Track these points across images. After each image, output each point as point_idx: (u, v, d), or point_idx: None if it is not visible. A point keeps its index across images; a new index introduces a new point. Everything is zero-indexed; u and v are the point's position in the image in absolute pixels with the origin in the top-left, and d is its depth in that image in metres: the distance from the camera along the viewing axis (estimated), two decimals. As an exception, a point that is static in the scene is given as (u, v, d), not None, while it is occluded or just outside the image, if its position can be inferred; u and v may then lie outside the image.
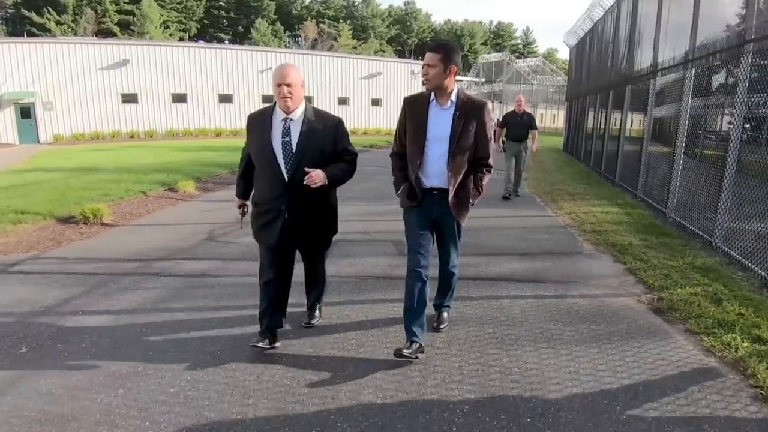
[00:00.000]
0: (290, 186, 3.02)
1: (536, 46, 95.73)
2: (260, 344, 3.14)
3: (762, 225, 5.01)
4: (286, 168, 3.01)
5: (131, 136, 27.53)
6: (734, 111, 5.93)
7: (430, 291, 3.29)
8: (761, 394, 2.86)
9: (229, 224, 6.92)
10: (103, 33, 57.59)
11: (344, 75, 33.97)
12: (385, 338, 3.50)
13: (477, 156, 3.19)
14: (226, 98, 30.40)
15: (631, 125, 11.49)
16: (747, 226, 5.39)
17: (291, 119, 3.04)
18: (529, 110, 10.29)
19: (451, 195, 3.14)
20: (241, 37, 75.47)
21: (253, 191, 3.26)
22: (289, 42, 74.93)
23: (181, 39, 66.08)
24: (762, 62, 5.56)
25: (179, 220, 7.42)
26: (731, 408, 2.74)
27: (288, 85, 2.95)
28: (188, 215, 7.81)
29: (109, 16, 64.35)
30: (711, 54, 6.83)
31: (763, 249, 4.90)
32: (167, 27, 66.75)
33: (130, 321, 3.78)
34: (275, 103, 3.09)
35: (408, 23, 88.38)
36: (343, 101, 33.71)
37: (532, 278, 4.88)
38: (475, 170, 3.23)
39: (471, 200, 3.25)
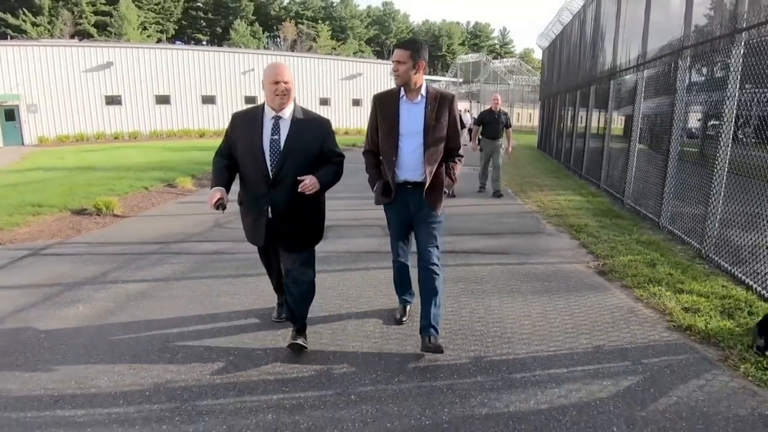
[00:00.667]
0: (274, 183, 3.00)
1: (513, 47, 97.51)
2: (273, 318, 3.75)
3: (699, 207, 5.94)
4: (271, 165, 3.00)
5: (115, 138, 27.88)
6: (675, 110, 6.88)
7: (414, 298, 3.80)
8: (673, 325, 3.74)
9: (232, 214, 7.64)
10: (80, 34, 57.26)
11: (325, 76, 34.70)
12: (380, 292, 4.32)
13: (449, 147, 3.29)
14: (209, 99, 30.95)
15: (599, 123, 12.50)
16: (687, 209, 6.32)
17: (281, 117, 3.04)
18: (505, 109, 11.01)
19: (425, 187, 3.21)
20: (219, 38, 75.29)
21: (239, 192, 3.23)
22: (268, 43, 74.85)
23: (159, 40, 65.83)
24: (698, 67, 6.52)
25: (185, 212, 8.13)
26: (649, 336, 3.60)
27: (285, 83, 2.98)
28: (191, 207, 8.50)
29: (86, 17, 63.75)
30: (656, 58, 7.79)
31: (699, 226, 5.83)
32: (145, 28, 66.42)
33: (165, 286, 4.54)
34: (264, 102, 3.11)
35: (386, 24, 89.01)
36: (324, 102, 34.44)
37: (498, 251, 5.76)
38: (447, 161, 3.33)
39: (445, 189, 3.31)
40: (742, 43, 5.11)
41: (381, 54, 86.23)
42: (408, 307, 3.82)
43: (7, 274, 4.98)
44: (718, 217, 5.35)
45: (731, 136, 5.29)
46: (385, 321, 3.79)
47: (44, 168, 13.18)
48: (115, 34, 60.63)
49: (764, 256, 4.37)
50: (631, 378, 2.98)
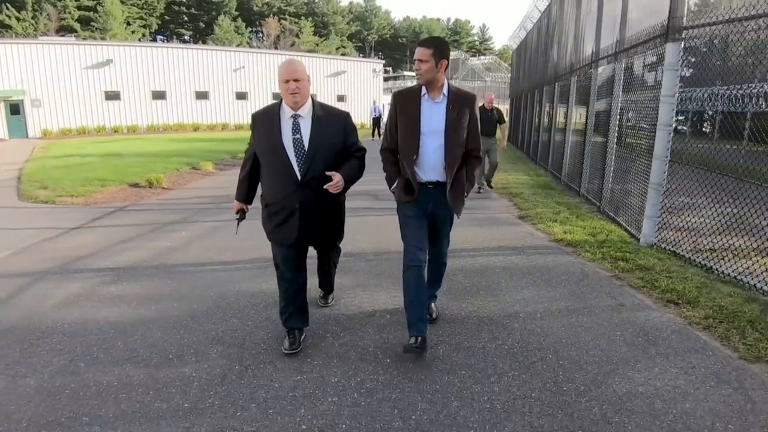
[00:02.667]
0: (303, 184, 2.97)
1: (492, 43, 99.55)
2: (284, 349, 3.17)
3: (600, 179, 8.37)
4: (298, 166, 2.95)
5: (115, 131, 29.70)
6: (588, 108, 9.30)
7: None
8: (553, 239, 6.13)
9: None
10: (64, 30, 58.00)
11: (311, 73, 36.31)
12: (372, 235, 6.62)
13: (468, 147, 3.23)
14: (202, 95, 32.92)
15: (549, 118, 14.99)
16: (596, 181, 8.75)
17: (300, 115, 2.99)
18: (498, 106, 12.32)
19: (448, 188, 3.16)
20: (203, 34, 75.45)
21: (261, 192, 3.18)
22: (251, 38, 75.50)
23: (143, 36, 66.78)
24: (628, 73, 8.93)
25: (221, 185, 10.31)
26: (536, 243, 5.98)
27: (296, 81, 2.91)
28: (224, 182, 10.65)
29: (69, 13, 64.18)
30: (587, 65, 10.23)
31: (598, 191, 8.24)
32: (129, 24, 66.96)
33: (230, 224, 6.79)
34: (281, 99, 3.05)
35: (368, 20, 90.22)
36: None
37: (456, 207, 8.15)
38: (465, 162, 3.26)
39: (465, 192, 3.26)
40: (623, 61, 7.53)
41: (362, 49, 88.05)
42: (420, 340, 3.00)
43: (111, 219, 7.20)
44: (609, 184, 7.78)
45: (616, 127, 7.71)
46: (378, 270, 6.11)
47: (77, 155, 15.20)
48: (99, 29, 61.28)
49: (626, 206, 6.82)
50: (517, 257, 5.38)
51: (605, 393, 2.74)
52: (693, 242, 5.31)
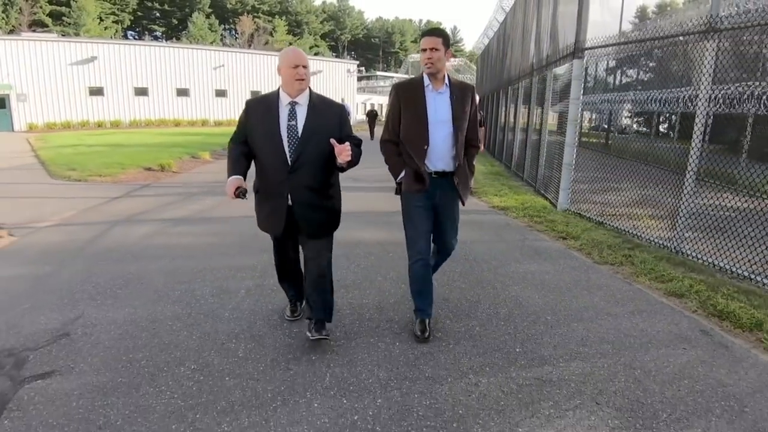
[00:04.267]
0: (293, 169, 2.97)
1: (463, 45, 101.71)
2: (287, 316, 3.61)
3: (536, 168, 10.45)
4: (289, 151, 2.96)
5: (99, 125, 30.77)
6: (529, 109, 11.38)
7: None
8: (491, 206, 8.14)
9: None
10: (36, 24, 57.86)
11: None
12: (357, 202, 8.50)
13: (468, 137, 3.27)
14: (183, 92, 34.24)
15: (505, 118, 17.14)
16: (533, 168, 10.82)
17: (297, 103, 3.00)
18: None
19: (454, 176, 3.20)
20: (175, 30, 74.99)
21: (254, 180, 3.17)
22: (224, 36, 75.26)
23: (116, 32, 66.77)
24: (554, 82, 11.01)
25: (222, 170, 12.00)
26: (479, 210, 7.98)
27: (304, 67, 2.95)
28: (224, 168, 12.34)
29: (41, 7, 63.69)
30: (528, 74, 12.33)
31: (535, 175, 10.30)
32: (102, 19, 66.69)
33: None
34: (278, 88, 3.07)
35: (341, 19, 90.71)
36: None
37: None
38: (466, 151, 3.30)
39: (469, 180, 3.32)
40: (552, 71, 9.61)
41: (336, 49, 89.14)
42: (428, 322, 3.32)
43: (143, 192, 8.92)
44: (542, 170, 9.85)
45: (547, 125, 9.78)
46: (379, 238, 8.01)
47: (80, 145, 16.63)
48: (72, 24, 61.23)
49: (550, 183, 8.91)
50: (462, 216, 7.34)
51: (506, 272, 4.76)
52: (598, 210, 7.31)
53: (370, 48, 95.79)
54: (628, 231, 6.29)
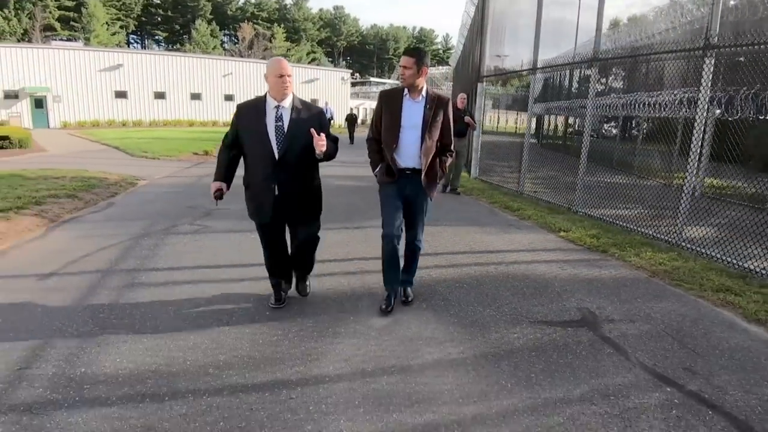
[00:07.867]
0: (280, 164, 3.37)
1: (454, 52, 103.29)
2: (271, 303, 3.82)
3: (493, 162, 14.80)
4: (277, 148, 3.37)
5: (123, 125, 34.94)
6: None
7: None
8: (493, 206, 12.44)
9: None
10: (46, 29, 59.36)
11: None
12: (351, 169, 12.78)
13: (442, 143, 3.72)
14: (196, 96, 38.85)
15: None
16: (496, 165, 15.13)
17: (283, 106, 3.38)
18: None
19: (423, 174, 3.64)
20: (178, 36, 77.61)
21: (244, 175, 3.53)
22: (223, 42, 77.30)
23: (121, 38, 68.36)
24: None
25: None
26: (475, 205, 12.23)
27: (288, 75, 3.34)
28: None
29: (50, 12, 63.94)
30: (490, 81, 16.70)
31: (508, 179, 14.59)
32: (109, 25, 67.37)
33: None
34: (266, 93, 3.43)
35: (338, 27, 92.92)
36: (287, 100, 42.44)
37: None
38: (440, 155, 3.73)
39: (437, 179, 3.73)
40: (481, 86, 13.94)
41: (332, 55, 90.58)
42: (393, 298, 3.83)
43: (204, 165, 13.11)
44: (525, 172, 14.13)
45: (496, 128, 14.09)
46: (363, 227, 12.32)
47: (128, 138, 20.79)
48: (82, 29, 63.20)
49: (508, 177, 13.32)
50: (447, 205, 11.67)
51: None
52: (546, 192, 11.52)
53: (365, 54, 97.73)
54: (503, 186, 10.70)
